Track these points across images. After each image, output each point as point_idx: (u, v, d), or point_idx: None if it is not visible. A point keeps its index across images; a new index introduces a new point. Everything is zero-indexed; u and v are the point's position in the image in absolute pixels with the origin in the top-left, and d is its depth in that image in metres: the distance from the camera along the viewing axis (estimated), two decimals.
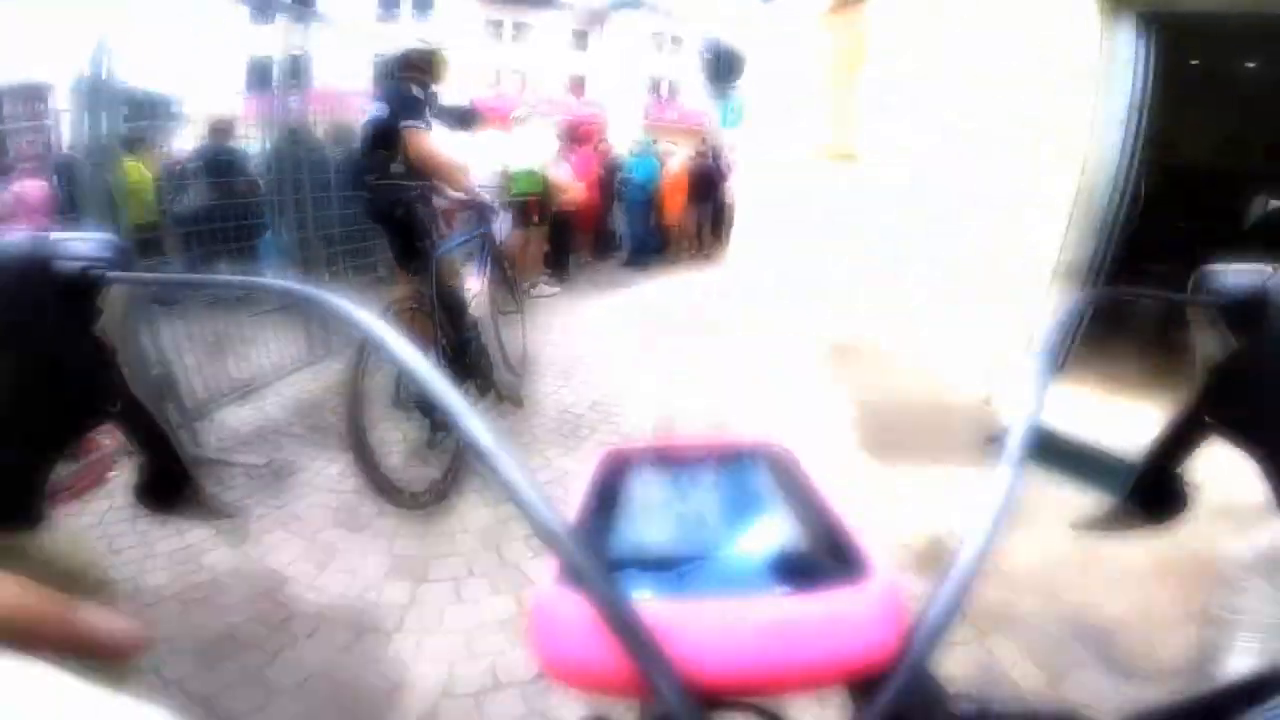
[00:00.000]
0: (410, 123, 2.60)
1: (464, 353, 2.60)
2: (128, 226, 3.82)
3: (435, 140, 2.64)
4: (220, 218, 3.15)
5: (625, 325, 4.75)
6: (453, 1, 21.52)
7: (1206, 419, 0.36)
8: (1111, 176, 2.90)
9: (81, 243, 0.32)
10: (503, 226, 5.41)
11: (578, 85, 24.28)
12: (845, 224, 4.48)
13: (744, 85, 6.62)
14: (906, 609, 0.20)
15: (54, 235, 0.32)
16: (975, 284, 3.32)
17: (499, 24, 23.67)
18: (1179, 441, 0.38)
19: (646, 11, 20.39)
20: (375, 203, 2.69)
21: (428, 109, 2.69)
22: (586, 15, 24.39)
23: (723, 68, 6.40)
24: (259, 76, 2.93)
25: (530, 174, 5.10)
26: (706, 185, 7.88)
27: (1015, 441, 0.23)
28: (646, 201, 7.20)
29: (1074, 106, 2.89)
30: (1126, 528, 0.41)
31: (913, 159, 3.77)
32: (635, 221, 7.25)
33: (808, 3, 5.36)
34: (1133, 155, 2.88)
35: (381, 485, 2.09)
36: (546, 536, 0.19)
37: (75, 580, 0.54)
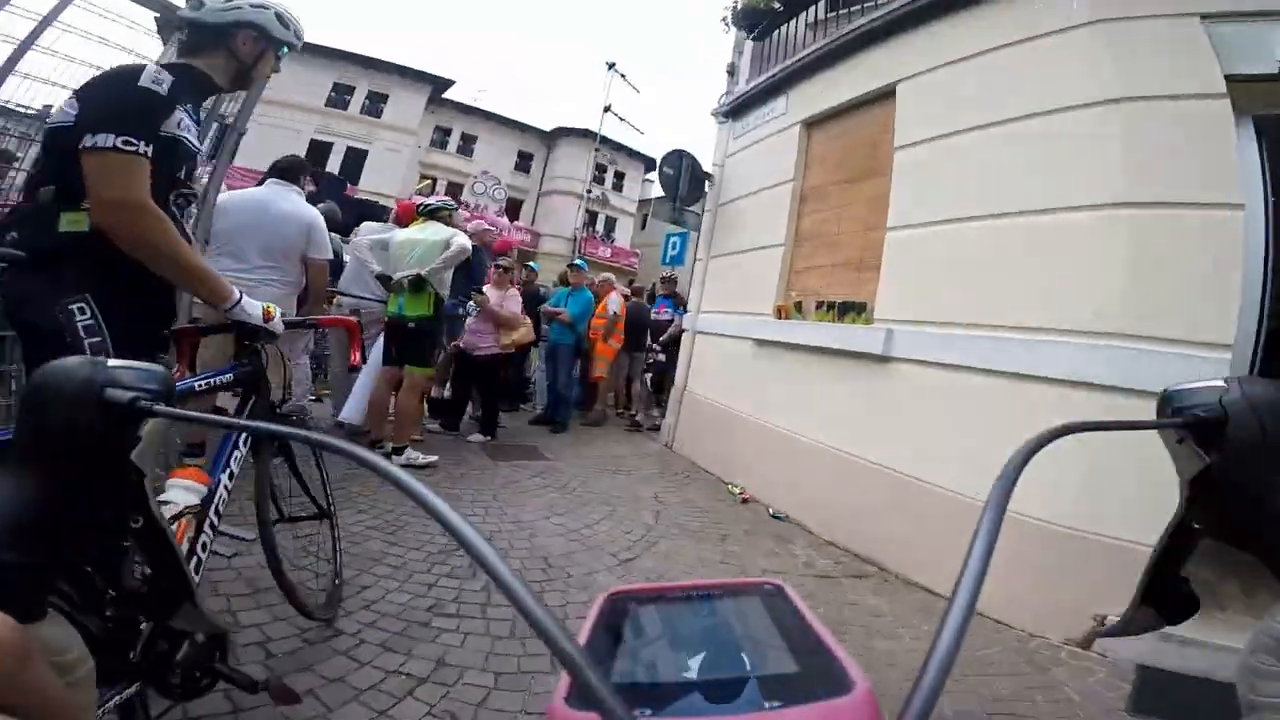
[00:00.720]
0: (101, 137, 1.19)
1: (163, 607, 0.98)
2: None
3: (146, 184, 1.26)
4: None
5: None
6: (407, 105, 21.05)
7: (1195, 525, 0.42)
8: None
9: (133, 372, 0.38)
10: (370, 360, 3.82)
11: (514, 207, 23.82)
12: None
13: (701, 214, 5.59)
14: (882, 714, 0.22)
15: (111, 363, 0.38)
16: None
17: (447, 132, 23.29)
18: (1176, 547, 0.43)
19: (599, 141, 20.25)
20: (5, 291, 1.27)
21: (175, 116, 1.30)
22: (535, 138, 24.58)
23: (684, 185, 5.37)
24: None
25: (419, 293, 3.64)
26: (640, 332, 6.60)
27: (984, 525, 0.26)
28: (574, 344, 5.65)
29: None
30: (1147, 630, 0.47)
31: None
32: (557, 368, 5.59)
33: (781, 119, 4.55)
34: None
35: None
36: (563, 658, 0.21)
37: (59, 671, 0.53)
